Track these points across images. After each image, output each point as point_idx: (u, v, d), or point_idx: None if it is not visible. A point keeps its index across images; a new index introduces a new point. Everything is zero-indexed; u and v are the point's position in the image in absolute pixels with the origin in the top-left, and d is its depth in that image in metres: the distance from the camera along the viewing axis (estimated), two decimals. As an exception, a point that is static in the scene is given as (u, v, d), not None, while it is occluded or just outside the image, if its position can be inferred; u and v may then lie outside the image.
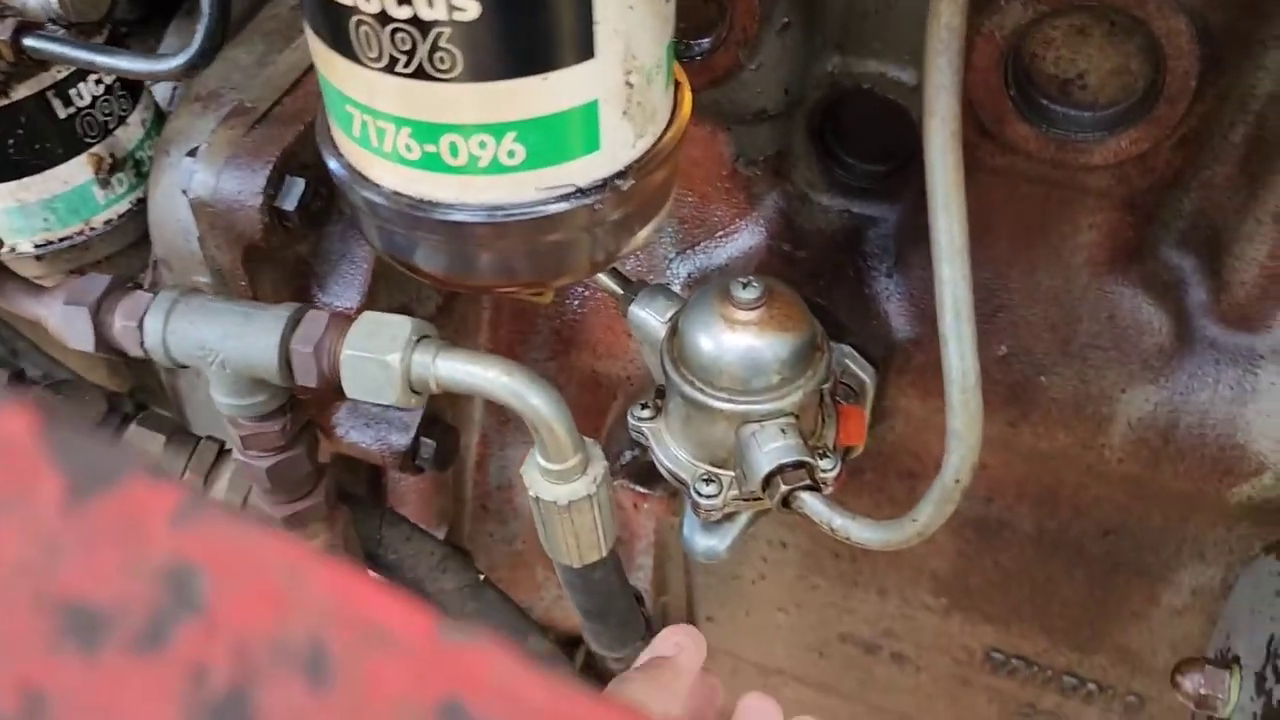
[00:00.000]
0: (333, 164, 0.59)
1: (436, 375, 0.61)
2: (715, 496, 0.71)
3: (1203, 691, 0.74)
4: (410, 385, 0.61)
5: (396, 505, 0.97)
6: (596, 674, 1.06)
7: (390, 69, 0.49)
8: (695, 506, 0.72)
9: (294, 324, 0.63)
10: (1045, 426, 0.81)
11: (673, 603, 1.14)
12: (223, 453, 0.79)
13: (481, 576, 0.84)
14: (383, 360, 0.60)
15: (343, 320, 0.63)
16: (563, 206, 0.56)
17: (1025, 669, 1.01)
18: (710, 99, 0.76)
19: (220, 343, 0.63)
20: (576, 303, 0.91)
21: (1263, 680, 0.69)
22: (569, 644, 1.30)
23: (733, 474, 0.72)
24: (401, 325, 0.61)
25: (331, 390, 0.64)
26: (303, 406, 0.69)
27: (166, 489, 0.24)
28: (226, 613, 0.23)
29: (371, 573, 0.77)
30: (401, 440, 0.87)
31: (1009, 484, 0.89)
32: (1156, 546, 0.88)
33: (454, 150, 0.53)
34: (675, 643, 0.69)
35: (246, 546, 0.23)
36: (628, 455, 1.01)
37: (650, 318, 0.75)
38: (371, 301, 0.81)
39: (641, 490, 1.00)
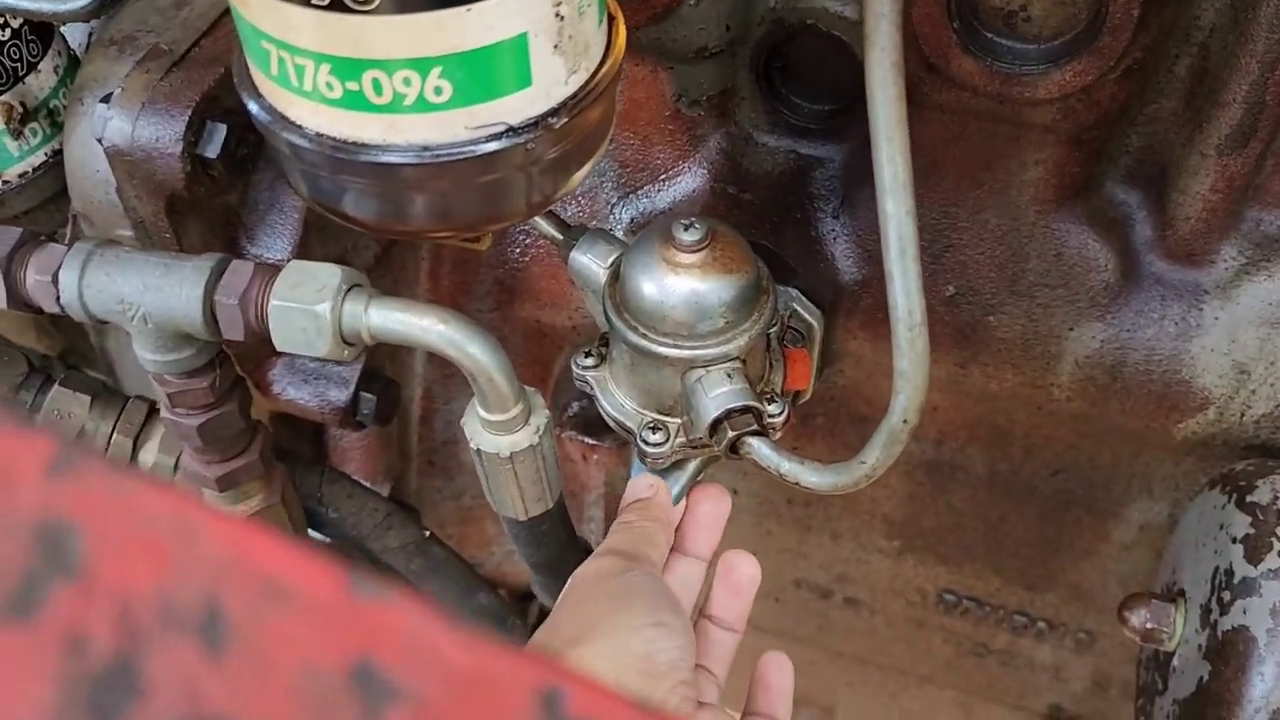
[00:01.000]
0: (252, 106, 0.56)
1: (369, 325, 0.59)
2: (663, 445, 0.70)
3: (1149, 626, 0.74)
4: (342, 336, 0.59)
5: (339, 463, 0.95)
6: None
7: (306, 1, 0.47)
8: (642, 455, 0.71)
9: (217, 275, 0.60)
10: (994, 367, 0.81)
11: (625, 554, 1.13)
12: (153, 412, 0.77)
13: (427, 533, 0.83)
14: (312, 310, 0.58)
15: (269, 270, 0.60)
16: (495, 145, 0.54)
17: (977, 609, 1.02)
18: (650, 37, 0.74)
19: (140, 296, 0.60)
20: (518, 251, 0.89)
21: (1208, 612, 0.70)
22: (521, 599, 1.29)
23: (680, 421, 0.70)
24: (331, 274, 0.59)
25: (261, 344, 0.61)
26: (232, 361, 0.67)
27: (38, 439, 0.21)
28: (107, 574, 0.21)
29: (273, 527, 0.75)
30: (340, 396, 0.85)
31: (959, 426, 0.89)
32: (1106, 484, 0.88)
33: (377, 87, 0.51)
34: (649, 484, 0.68)
35: (129, 500, 0.21)
36: (575, 406, 1.00)
37: (591, 263, 0.73)
38: (303, 253, 0.78)
39: (590, 442, 0.98)
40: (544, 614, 0.96)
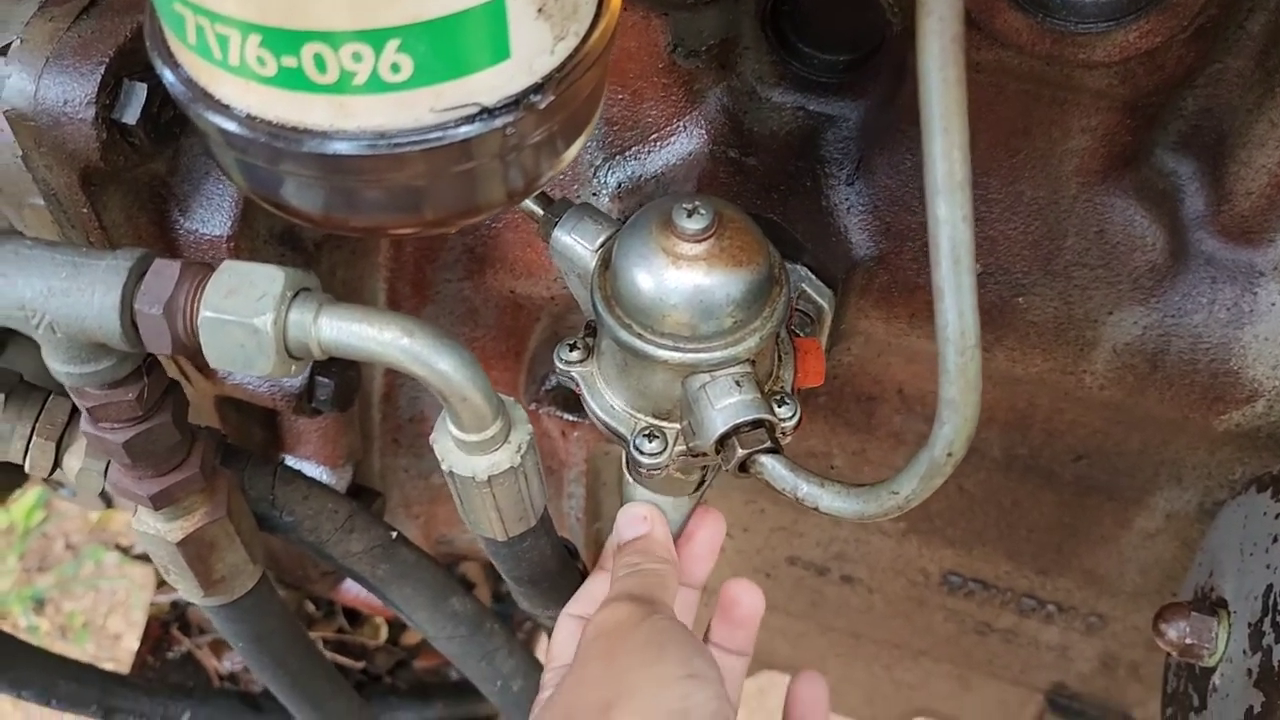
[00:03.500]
0: (168, 77, 0.46)
1: (319, 339, 0.50)
2: (659, 454, 0.62)
3: (1188, 641, 0.68)
4: (288, 351, 0.50)
5: (294, 446, 0.87)
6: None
7: (222, -43, 0.37)
8: (635, 465, 0.63)
9: (137, 276, 0.51)
10: (1022, 351, 0.73)
11: (606, 528, 1.05)
12: (78, 411, 0.67)
13: (394, 534, 0.75)
14: (250, 324, 0.49)
15: (199, 271, 0.51)
16: (467, 131, 0.45)
17: (983, 591, 0.96)
18: (643, -22, 0.63)
19: (44, 302, 0.51)
20: (491, 217, 0.79)
21: (1259, 634, 0.63)
22: (496, 572, 1.22)
23: (678, 427, 0.62)
24: (273, 278, 0.49)
25: (193, 357, 0.52)
26: (161, 367, 0.58)
27: None
28: None
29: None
30: (294, 381, 0.77)
31: (976, 409, 0.81)
32: (1132, 471, 0.81)
33: (320, 64, 0.41)
34: (643, 516, 0.65)
35: None
36: (553, 380, 0.91)
37: (576, 244, 0.64)
38: (245, 227, 0.68)
39: (570, 418, 0.90)
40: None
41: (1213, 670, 0.68)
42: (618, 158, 0.74)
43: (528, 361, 0.88)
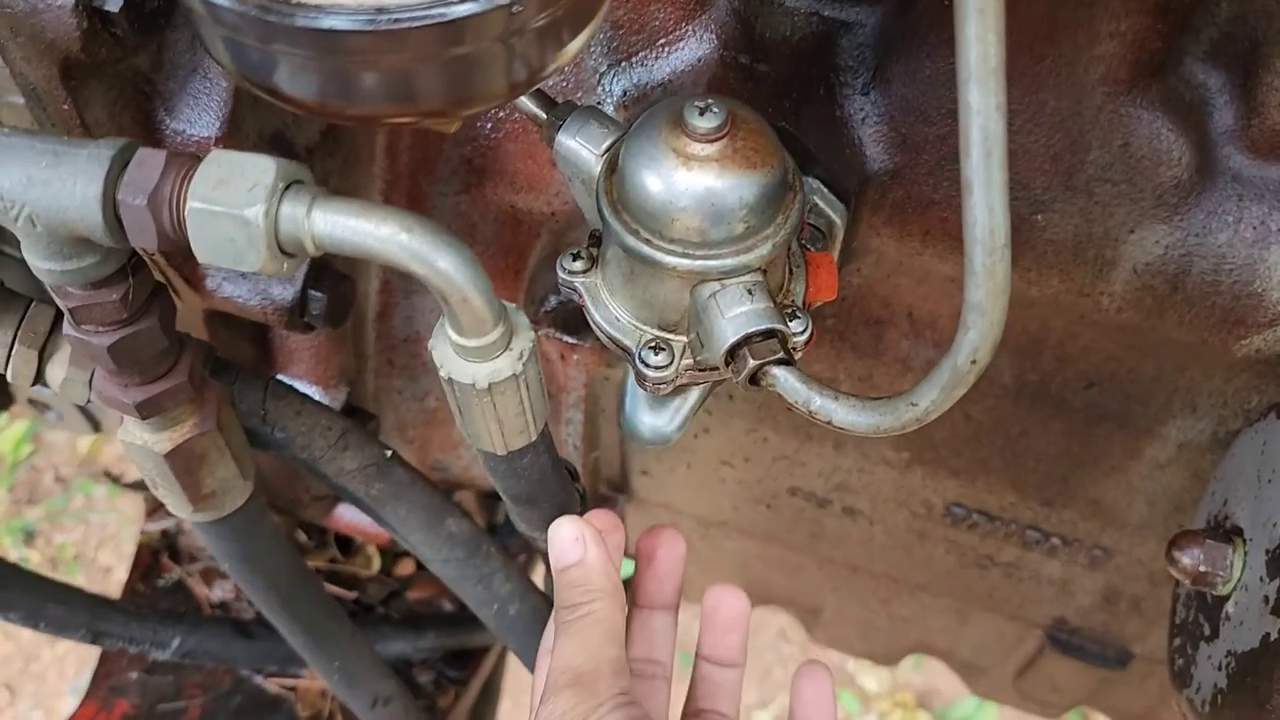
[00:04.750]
0: (151, -53, 0.43)
1: (313, 233, 0.47)
2: (666, 367, 0.59)
3: (1201, 569, 0.66)
4: (280, 246, 0.48)
5: (286, 365, 0.84)
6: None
7: None
8: (641, 378, 0.60)
9: (120, 167, 0.48)
10: (1038, 271, 0.71)
11: (605, 457, 1.04)
12: (61, 318, 0.65)
13: (389, 452, 0.72)
14: (240, 216, 0.46)
15: (186, 161, 0.48)
16: (470, 8, 0.43)
17: (987, 523, 0.95)
18: None
19: (23, 192, 0.48)
20: (490, 126, 0.76)
21: (1278, 561, 0.62)
22: (491, 496, 1.21)
23: (686, 340, 0.60)
24: (264, 168, 0.47)
25: (181, 251, 0.50)
26: (147, 267, 0.55)
27: None
28: None
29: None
30: (286, 294, 0.74)
31: (987, 333, 0.79)
32: (1144, 398, 0.79)
33: (315, -73, 0.38)
34: (575, 538, 0.64)
35: None
36: (553, 301, 0.89)
37: (581, 148, 0.61)
38: (234, 128, 0.66)
39: (570, 340, 0.88)
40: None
41: (1226, 599, 0.67)
42: (623, 64, 0.71)
43: (527, 281, 0.85)
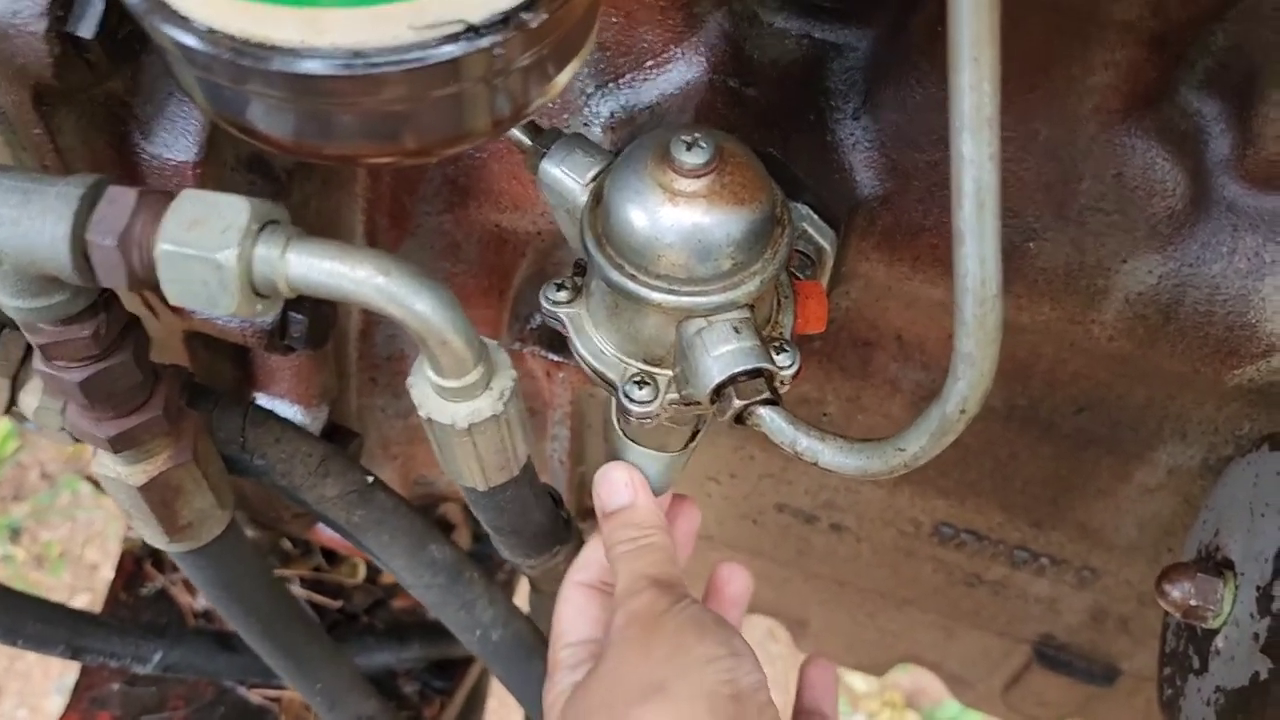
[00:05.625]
0: (120, -16, 0.42)
1: (287, 275, 0.46)
2: (650, 403, 0.58)
3: (1192, 602, 0.66)
4: (254, 289, 0.46)
5: (267, 384, 0.83)
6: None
7: None
8: (625, 413, 0.59)
9: (89, 204, 0.47)
10: (1029, 299, 0.70)
11: (590, 473, 1.02)
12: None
13: (370, 479, 0.71)
14: (213, 259, 0.45)
15: (157, 200, 0.47)
16: (450, 51, 0.41)
17: (975, 542, 0.94)
18: (641, -110, 0.59)
19: (-11, 231, 0.47)
20: (474, 147, 0.75)
21: (1269, 599, 0.61)
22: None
23: (671, 374, 0.59)
24: (237, 210, 0.46)
25: (151, 291, 0.48)
26: (119, 301, 0.54)
27: None
28: None
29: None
30: (266, 316, 0.72)
31: (977, 357, 0.78)
32: (1135, 424, 0.79)
33: (288, -28, 0.37)
34: (625, 483, 0.65)
35: None
36: (538, 319, 0.88)
37: (565, 177, 0.60)
38: (212, 152, 0.64)
39: (555, 359, 0.87)
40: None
41: (1216, 633, 0.66)
42: (611, 86, 0.70)
43: (512, 299, 0.84)
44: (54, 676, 2.22)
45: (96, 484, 2.28)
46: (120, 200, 0.47)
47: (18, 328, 0.65)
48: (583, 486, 1.04)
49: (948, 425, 0.47)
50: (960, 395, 0.45)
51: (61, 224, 0.46)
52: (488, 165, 0.76)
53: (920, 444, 0.49)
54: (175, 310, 0.74)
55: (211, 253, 0.45)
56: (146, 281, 0.47)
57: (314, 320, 0.74)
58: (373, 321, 0.86)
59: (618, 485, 0.65)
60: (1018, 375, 0.79)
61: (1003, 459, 0.85)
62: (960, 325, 0.44)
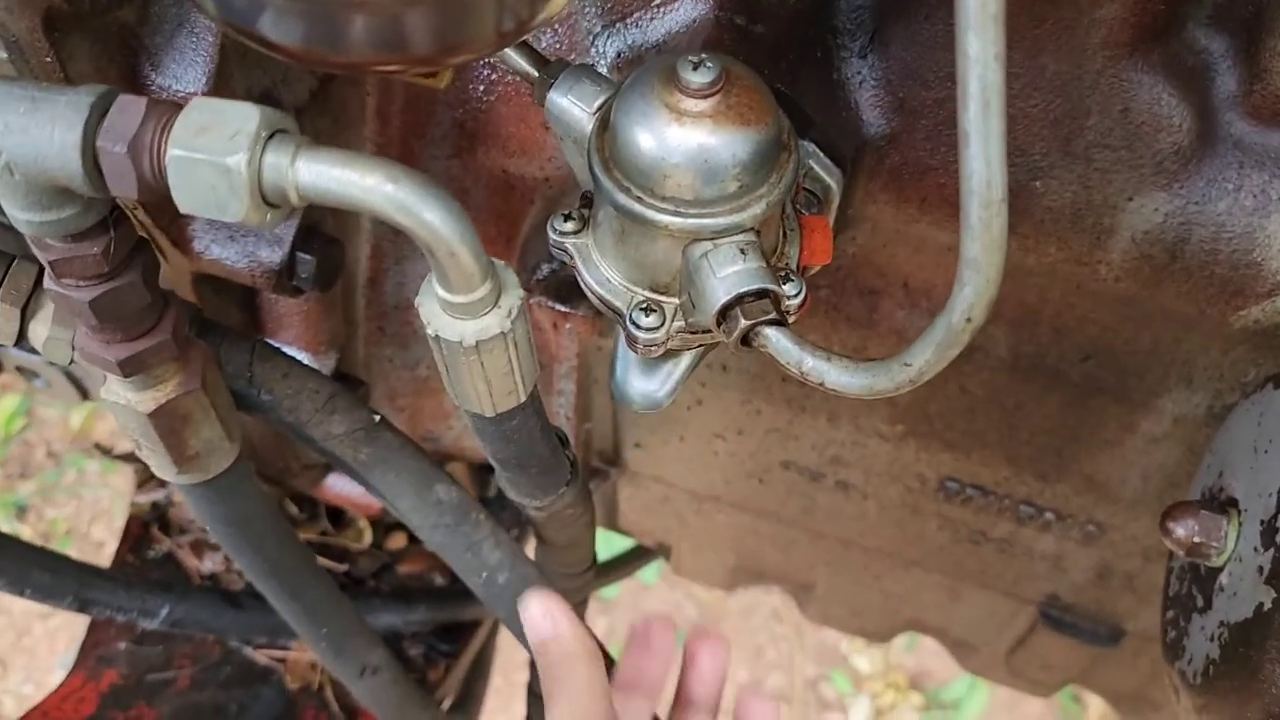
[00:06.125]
0: (132, -115, 0.42)
1: (297, 183, 0.46)
2: (657, 329, 0.59)
3: (1196, 540, 0.66)
4: (263, 196, 0.47)
5: (275, 331, 0.83)
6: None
7: None
8: (632, 341, 0.60)
9: (100, 112, 0.47)
10: (1036, 239, 0.70)
11: (597, 429, 1.03)
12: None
13: (377, 417, 0.72)
14: (222, 164, 0.45)
15: (167, 109, 0.47)
16: (457, -49, 0.41)
17: (981, 498, 0.94)
18: None
19: (0, 138, 0.47)
20: (482, 89, 0.75)
21: (1273, 531, 0.61)
22: (483, 469, 1.20)
23: (678, 302, 0.59)
24: (246, 116, 0.46)
25: (161, 201, 0.49)
26: (130, 220, 0.54)
27: None
28: None
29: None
30: (274, 256, 0.73)
31: (983, 303, 0.79)
32: (1141, 371, 0.79)
33: None
34: (542, 613, 0.69)
35: None
36: (545, 269, 0.88)
37: (573, 106, 0.60)
38: (221, 85, 0.64)
39: (562, 309, 0.87)
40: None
41: (1220, 570, 0.66)
42: (618, 25, 0.70)
43: (520, 247, 0.85)
44: (59, 652, 2.23)
45: (106, 452, 2.29)
46: (131, 108, 0.47)
47: (28, 259, 0.66)
48: (589, 443, 1.05)
49: (953, 336, 0.47)
50: (966, 303, 0.45)
51: (71, 131, 0.47)
52: (495, 109, 0.76)
53: (926, 357, 0.49)
54: (184, 251, 0.75)
55: (221, 157, 0.45)
56: (156, 189, 0.47)
57: (322, 261, 0.74)
58: (381, 269, 0.87)
59: (535, 618, 0.69)
60: (1025, 321, 0.79)
61: (1009, 409, 0.85)
62: (966, 230, 0.44)
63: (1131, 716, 1.20)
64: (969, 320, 0.46)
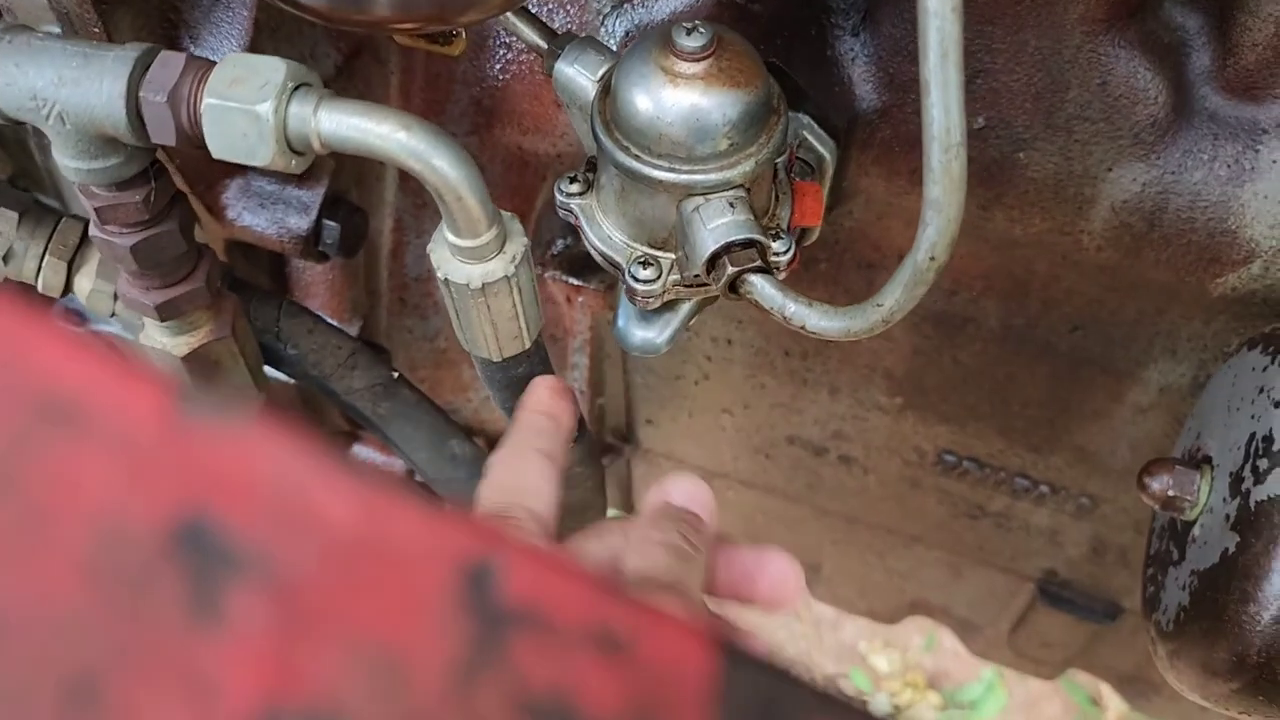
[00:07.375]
0: None
1: (319, 130, 0.51)
2: (654, 281, 0.63)
3: (1170, 493, 0.69)
4: (288, 142, 0.51)
5: (301, 298, 0.88)
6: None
7: None
8: (631, 293, 0.64)
9: (143, 67, 0.52)
10: (1021, 210, 0.73)
11: (610, 405, 1.07)
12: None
13: (396, 374, 0.76)
14: (252, 111, 0.50)
15: (203, 64, 0.52)
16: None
17: (977, 470, 0.97)
18: None
19: (54, 90, 0.52)
20: (498, 68, 0.80)
21: (1239, 480, 0.64)
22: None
23: (674, 257, 0.63)
24: (274, 69, 0.51)
25: (199, 152, 0.53)
26: (169, 174, 0.59)
27: None
28: None
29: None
30: (301, 223, 0.78)
31: (976, 275, 0.82)
32: (1127, 342, 0.82)
33: None
34: (704, 502, 0.60)
35: None
36: (559, 244, 0.92)
37: (579, 75, 0.64)
38: (255, 56, 0.69)
39: (575, 282, 0.91)
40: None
41: (1193, 523, 0.69)
42: (626, 5, 0.74)
43: (533, 222, 0.89)
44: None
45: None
46: (171, 63, 0.52)
47: (74, 217, 0.71)
48: (602, 419, 1.09)
49: (920, 275, 0.51)
50: (929, 241, 0.49)
51: (118, 83, 0.52)
52: (510, 87, 0.80)
53: (895, 296, 0.52)
54: (217, 218, 0.80)
55: (251, 105, 0.50)
56: (193, 137, 0.52)
57: (346, 228, 0.79)
58: (403, 241, 0.91)
59: (695, 496, 0.60)
60: (1014, 294, 0.82)
61: (1001, 381, 0.88)
62: (928, 173, 0.48)
63: (1134, 700, 1.22)
64: (933, 259, 0.50)
